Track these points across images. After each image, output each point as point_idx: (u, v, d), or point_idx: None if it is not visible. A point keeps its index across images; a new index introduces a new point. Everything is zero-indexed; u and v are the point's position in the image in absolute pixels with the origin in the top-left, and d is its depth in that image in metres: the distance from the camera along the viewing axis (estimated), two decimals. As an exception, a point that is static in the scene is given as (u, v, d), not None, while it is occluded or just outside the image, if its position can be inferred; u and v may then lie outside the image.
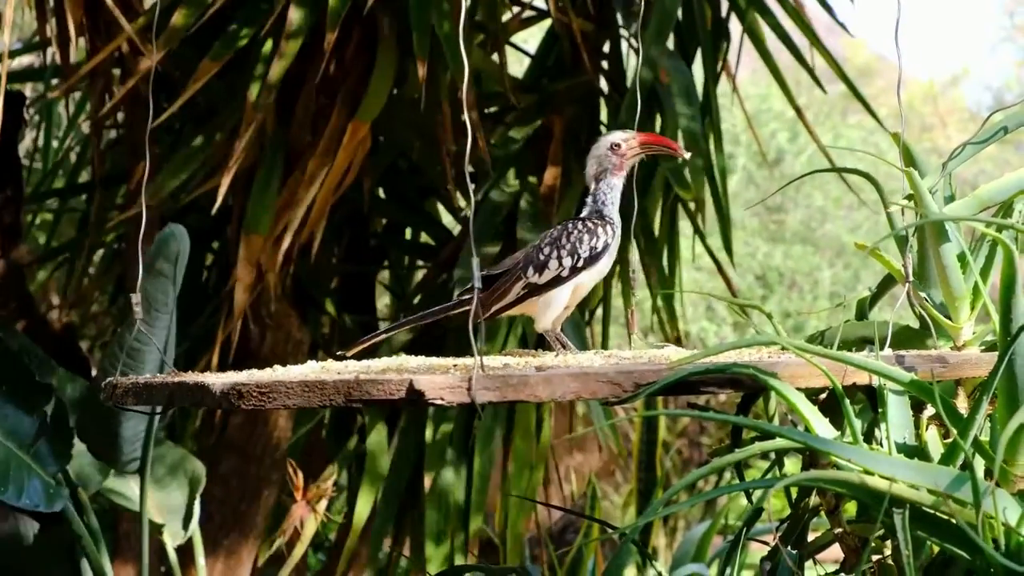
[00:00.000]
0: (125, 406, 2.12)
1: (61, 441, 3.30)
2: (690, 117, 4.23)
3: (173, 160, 4.21)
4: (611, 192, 2.35)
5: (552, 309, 2.31)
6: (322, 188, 3.99)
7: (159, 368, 3.36)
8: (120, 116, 4.81)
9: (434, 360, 2.17)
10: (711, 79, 4.55)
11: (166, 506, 3.74)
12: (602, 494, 7.14)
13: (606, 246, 2.29)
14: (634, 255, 4.45)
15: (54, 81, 5.41)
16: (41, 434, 3.28)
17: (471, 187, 1.88)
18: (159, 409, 3.00)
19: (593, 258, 2.28)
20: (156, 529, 3.75)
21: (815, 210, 11.39)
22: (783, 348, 2.06)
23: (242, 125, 3.90)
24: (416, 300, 4.72)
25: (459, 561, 4.25)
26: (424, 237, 5.13)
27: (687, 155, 2.40)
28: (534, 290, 2.30)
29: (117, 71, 4.50)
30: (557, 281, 2.28)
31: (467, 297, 2.35)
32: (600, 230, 2.30)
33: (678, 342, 4.58)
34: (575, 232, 2.30)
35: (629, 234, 2.92)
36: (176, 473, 3.76)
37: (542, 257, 2.29)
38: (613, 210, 2.34)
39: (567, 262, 2.28)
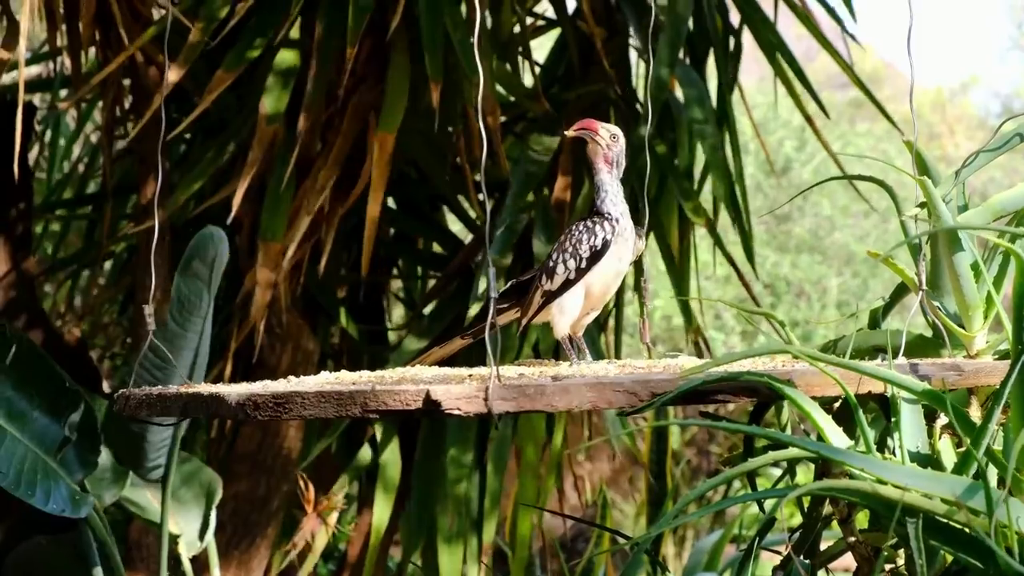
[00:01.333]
0: (138, 418, 2.11)
1: (88, 449, 3.27)
2: (704, 123, 4.22)
3: (186, 173, 4.22)
4: (602, 188, 2.33)
5: (566, 315, 2.31)
6: (343, 201, 3.99)
7: (189, 373, 3.34)
8: (129, 126, 4.82)
9: (449, 370, 2.17)
10: (725, 87, 4.55)
11: (182, 516, 3.73)
12: (611, 503, 7.13)
13: (605, 243, 2.28)
14: (647, 263, 4.44)
15: (63, 92, 5.42)
16: (68, 441, 3.25)
17: (484, 196, 1.88)
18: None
19: (594, 257, 2.28)
20: (171, 539, 3.75)
21: (823, 219, 11.37)
22: (795, 357, 2.06)
23: (255, 137, 3.91)
24: (428, 309, 4.71)
25: (471, 571, 4.25)
26: (435, 247, 5.13)
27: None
28: (550, 297, 2.31)
29: (127, 81, 4.51)
30: (567, 285, 2.29)
31: (502, 306, 2.38)
32: (598, 228, 2.29)
33: (697, 347, 4.58)
34: (575, 234, 2.31)
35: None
36: (191, 484, 3.74)
37: (551, 263, 2.31)
38: (611, 205, 2.31)
39: (571, 264, 2.29)
